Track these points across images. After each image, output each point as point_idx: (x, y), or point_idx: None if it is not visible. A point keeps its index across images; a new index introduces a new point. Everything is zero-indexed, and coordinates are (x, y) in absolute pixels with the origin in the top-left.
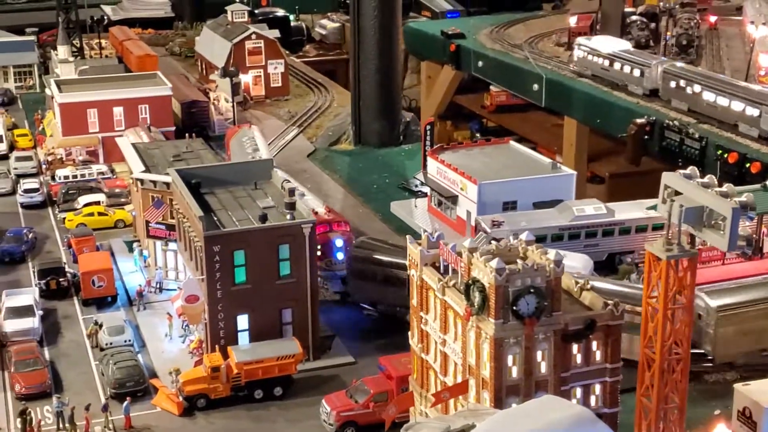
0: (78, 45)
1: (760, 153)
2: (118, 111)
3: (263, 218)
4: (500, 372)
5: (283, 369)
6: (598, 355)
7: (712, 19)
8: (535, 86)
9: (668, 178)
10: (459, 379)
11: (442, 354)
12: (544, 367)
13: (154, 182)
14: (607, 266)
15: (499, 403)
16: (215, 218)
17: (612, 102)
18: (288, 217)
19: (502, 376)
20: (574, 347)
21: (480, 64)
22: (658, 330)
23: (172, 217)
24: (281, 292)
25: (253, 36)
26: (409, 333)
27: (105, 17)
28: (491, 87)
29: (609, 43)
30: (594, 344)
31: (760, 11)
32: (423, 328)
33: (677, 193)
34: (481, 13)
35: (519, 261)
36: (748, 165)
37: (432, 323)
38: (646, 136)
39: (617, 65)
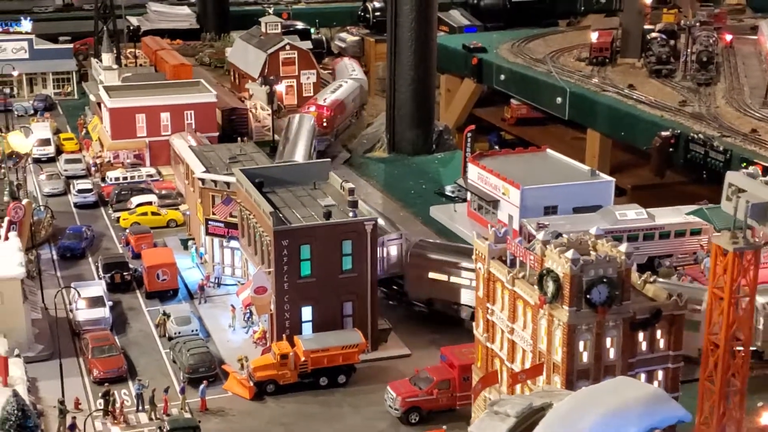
0: (116, 53)
1: None
2: (165, 116)
3: (328, 215)
4: (572, 356)
5: (346, 358)
6: (661, 343)
7: (728, 37)
8: (559, 99)
9: (732, 177)
10: (527, 365)
11: (510, 342)
12: (612, 353)
13: (215, 182)
14: (647, 269)
15: (570, 385)
16: (281, 215)
17: (637, 115)
18: (351, 214)
19: (573, 360)
20: (641, 335)
21: (502, 77)
22: (724, 317)
23: (232, 215)
24: (343, 286)
25: (287, 47)
26: (474, 323)
27: (140, 27)
28: (512, 100)
29: None
30: (658, 333)
31: None
32: (489, 318)
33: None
34: (497, 29)
35: (592, 252)
36: None
37: (499, 313)
38: (670, 149)
39: None
